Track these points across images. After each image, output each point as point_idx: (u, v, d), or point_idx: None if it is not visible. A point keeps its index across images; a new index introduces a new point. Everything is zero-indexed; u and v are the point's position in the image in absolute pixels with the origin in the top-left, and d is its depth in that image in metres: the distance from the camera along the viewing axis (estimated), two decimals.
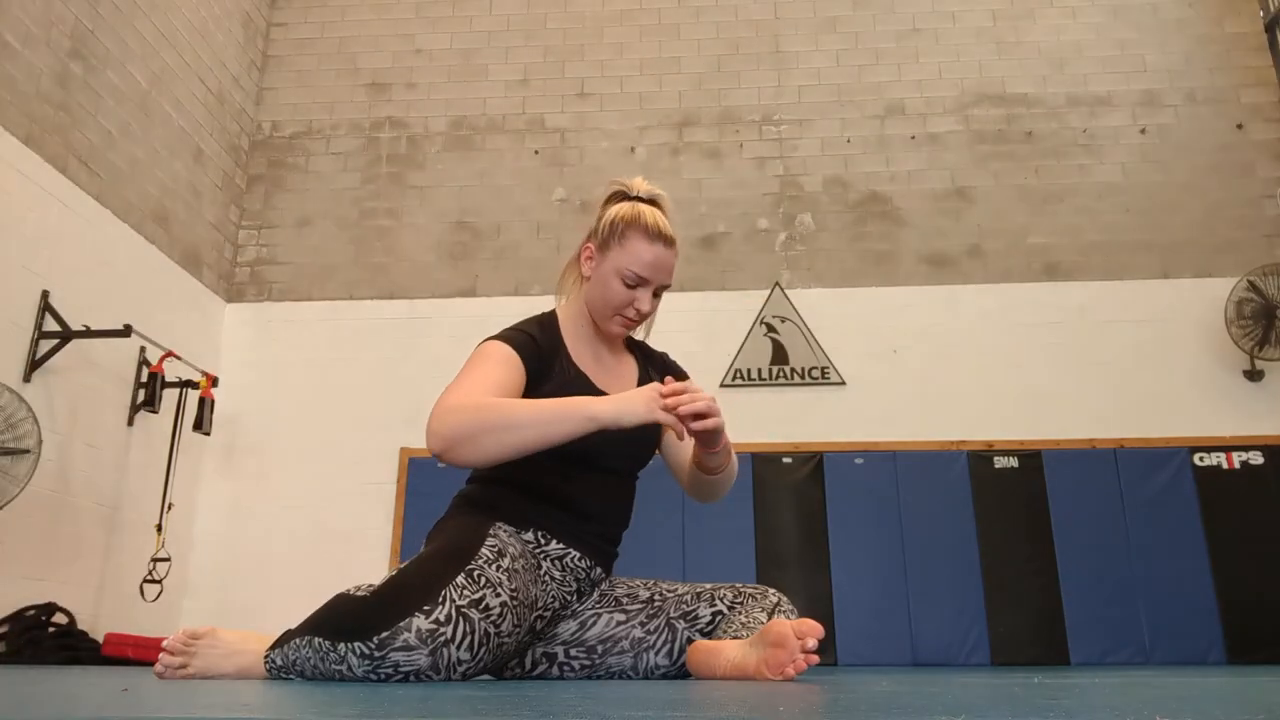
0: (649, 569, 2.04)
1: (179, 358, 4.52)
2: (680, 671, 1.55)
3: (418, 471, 4.98)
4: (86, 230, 4.24)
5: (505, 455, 1.37)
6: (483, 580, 1.33)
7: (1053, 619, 4.47)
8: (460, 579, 1.31)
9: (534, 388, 1.54)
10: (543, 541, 1.57)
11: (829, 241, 5.35)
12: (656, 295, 1.64)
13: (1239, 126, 5.34)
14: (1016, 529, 4.66)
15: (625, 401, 1.38)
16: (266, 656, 1.43)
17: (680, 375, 1.77)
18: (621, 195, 1.63)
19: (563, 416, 1.37)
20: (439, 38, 5.93)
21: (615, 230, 1.58)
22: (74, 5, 4.22)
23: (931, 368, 5.03)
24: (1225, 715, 0.61)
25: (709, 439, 1.48)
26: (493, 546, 1.42)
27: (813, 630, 1.28)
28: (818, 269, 5.29)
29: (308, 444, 5.12)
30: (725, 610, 1.56)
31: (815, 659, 1.31)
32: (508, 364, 1.50)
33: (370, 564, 4.86)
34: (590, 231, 1.62)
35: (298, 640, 1.36)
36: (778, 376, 5.06)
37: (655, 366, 1.81)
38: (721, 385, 5.03)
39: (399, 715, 0.66)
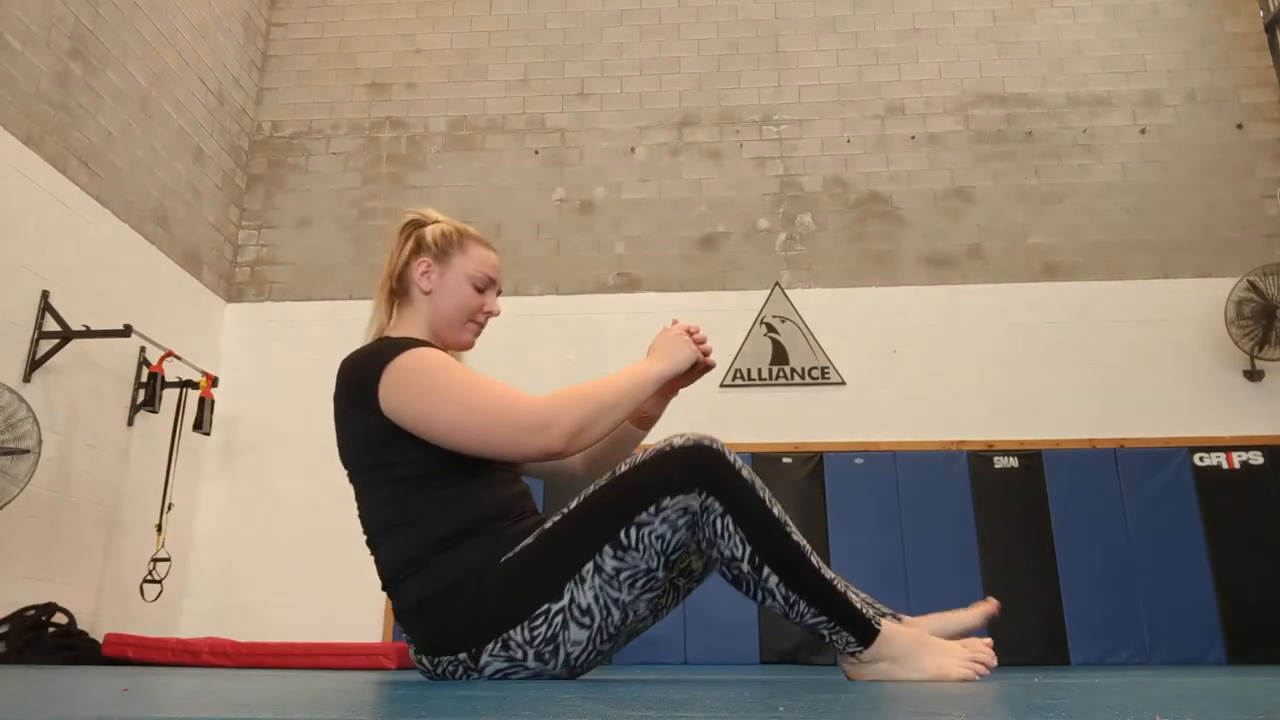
0: None
1: (179, 358, 4.52)
2: None
3: None
4: (86, 230, 4.24)
5: (606, 435, 1.42)
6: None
7: (1053, 619, 4.47)
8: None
9: None
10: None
11: (829, 241, 5.35)
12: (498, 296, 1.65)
13: (1239, 126, 5.34)
14: (1016, 529, 4.66)
15: (671, 351, 1.49)
16: None
17: None
18: (419, 223, 1.63)
19: (640, 384, 1.44)
20: (439, 38, 5.93)
21: (452, 241, 1.60)
22: (74, 5, 4.22)
23: (931, 368, 5.03)
24: (1225, 715, 0.61)
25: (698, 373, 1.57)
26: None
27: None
28: (818, 269, 5.29)
29: (308, 444, 5.11)
30: None
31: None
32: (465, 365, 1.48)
33: (370, 564, 4.85)
34: (412, 251, 1.58)
35: None
36: (778, 376, 5.06)
37: None
38: (721, 385, 5.03)
39: (399, 715, 0.66)
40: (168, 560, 4.34)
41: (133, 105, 4.64)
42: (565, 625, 1.33)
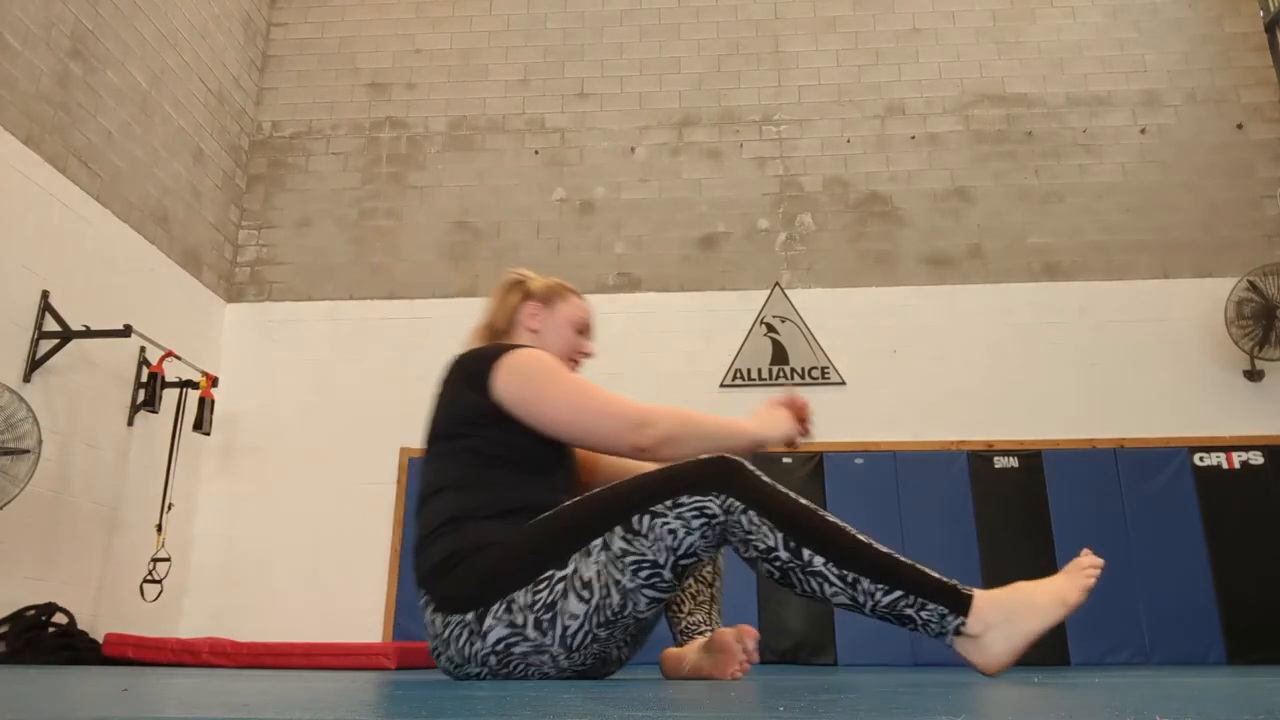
0: None
1: (179, 358, 4.52)
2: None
3: (418, 471, 4.97)
4: (86, 230, 4.24)
5: (690, 456, 1.47)
6: None
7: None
8: None
9: None
10: None
11: (829, 241, 5.35)
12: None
13: (1239, 126, 5.34)
14: (1016, 529, 4.66)
15: (771, 422, 1.58)
16: None
17: None
18: (522, 280, 1.86)
19: (733, 435, 1.53)
20: (439, 38, 5.93)
21: (555, 291, 1.83)
22: (74, 5, 4.22)
23: (931, 368, 5.03)
24: (1225, 715, 0.61)
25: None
26: None
27: (750, 634, 1.49)
28: (818, 269, 5.29)
29: (308, 444, 5.12)
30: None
31: (756, 658, 1.54)
32: None
33: (370, 564, 4.86)
34: (521, 298, 1.81)
35: None
36: (778, 376, 5.06)
37: None
38: (721, 385, 5.03)
39: (399, 715, 0.66)
40: (168, 560, 4.34)
41: (133, 105, 4.64)
42: (565, 594, 1.36)
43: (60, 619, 3.89)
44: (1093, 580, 1.37)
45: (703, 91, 5.70)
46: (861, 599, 1.32)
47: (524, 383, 1.52)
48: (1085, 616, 4.44)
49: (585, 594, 1.36)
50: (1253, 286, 4.77)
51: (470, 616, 1.39)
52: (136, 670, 2.58)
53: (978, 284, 5.18)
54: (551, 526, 1.42)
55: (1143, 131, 5.39)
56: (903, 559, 1.33)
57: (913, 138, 5.50)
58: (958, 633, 1.31)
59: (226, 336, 5.36)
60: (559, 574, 1.37)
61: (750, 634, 1.53)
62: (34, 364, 3.85)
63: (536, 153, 5.64)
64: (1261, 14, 5.54)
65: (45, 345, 3.90)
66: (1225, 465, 4.66)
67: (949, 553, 4.61)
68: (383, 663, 3.49)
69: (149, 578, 4.27)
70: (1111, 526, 4.60)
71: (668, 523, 1.34)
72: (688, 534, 1.34)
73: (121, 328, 4.09)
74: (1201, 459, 4.68)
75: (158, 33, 4.85)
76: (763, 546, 1.33)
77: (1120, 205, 5.26)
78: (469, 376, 1.56)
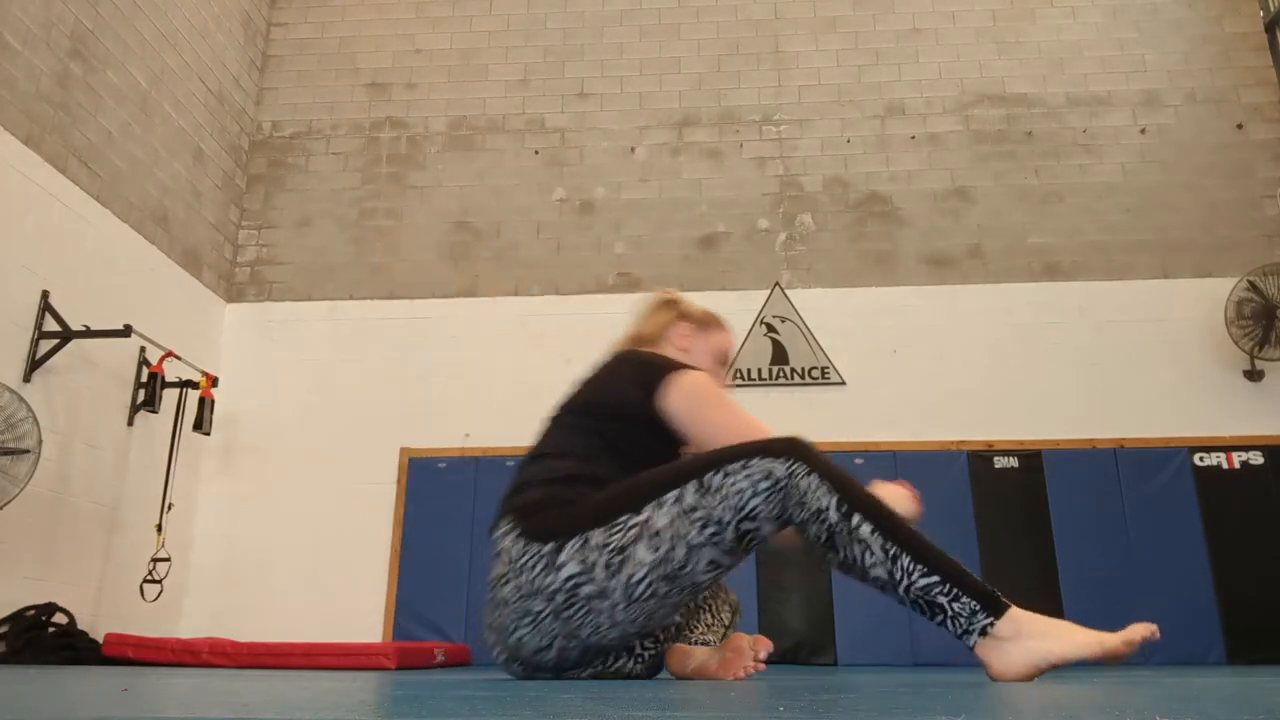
0: None
1: (179, 358, 4.52)
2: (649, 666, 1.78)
3: (418, 471, 4.98)
4: (86, 230, 4.24)
5: None
6: None
7: (1053, 618, 4.46)
8: None
9: None
10: None
11: (829, 241, 5.35)
12: None
13: (1239, 126, 5.34)
14: (1016, 529, 4.66)
15: (898, 501, 1.62)
16: None
17: None
18: (676, 300, 2.03)
19: (860, 500, 1.49)
20: (439, 38, 5.93)
21: (710, 321, 2.01)
22: (74, 5, 4.22)
23: (931, 368, 5.03)
24: (1225, 715, 0.61)
25: None
26: None
27: (764, 644, 1.56)
28: (818, 269, 5.29)
29: (308, 444, 5.12)
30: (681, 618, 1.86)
31: (763, 666, 1.60)
32: None
33: (370, 564, 4.86)
34: (674, 316, 1.98)
35: None
36: (778, 376, 5.06)
37: None
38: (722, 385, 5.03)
39: (399, 715, 0.66)
40: (168, 560, 4.34)
41: (133, 105, 4.64)
42: (636, 541, 1.47)
43: (60, 619, 3.89)
44: (1139, 640, 1.36)
45: (703, 91, 5.70)
46: (899, 575, 1.35)
47: (697, 401, 1.68)
48: (1085, 616, 4.45)
49: (654, 543, 1.46)
50: (1253, 286, 4.77)
51: (549, 548, 1.50)
52: (136, 670, 2.58)
53: (978, 284, 5.18)
54: (634, 482, 1.54)
55: (1143, 131, 5.39)
56: (948, 554, 1.38)
57: (913, 138, 5.50)
58: (984, 633, 1.31)
59: (226, 336, 5.36)
60: (634, 520, 1.48)
61: (765, 644, 1.59)
62: (34, 364, 3.85)
63: (536, 153, 5.64)
64: (1261, 14, 5.54)
65: (45, 345, 3.90)
66: (1225, 465, 4.66)
67: (948, 552, 4.60)
68: (383, 663, 3.49)
69: (149, 578, 4.27)
70: (1111, 526, 4.60)
71: (736, 481, 1.44)
72: (753, 495, 1.43)
73: (121, 328, 4.09)
74: (1201, 459, 4.68)
75: (158, 33, 4.85)
76: (815, 508, 1.39)
77: (1120, 205, 5.26)
78: (641, 378, 1.71)
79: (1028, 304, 5.10)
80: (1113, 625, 1.39)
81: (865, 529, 1.36)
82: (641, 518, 1.48)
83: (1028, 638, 1.30)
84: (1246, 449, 4.68)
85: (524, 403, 5.16)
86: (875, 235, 5.34)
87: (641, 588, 1.47)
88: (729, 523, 1.44)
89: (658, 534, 1.46)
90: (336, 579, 4.85)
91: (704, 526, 1.45)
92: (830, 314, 5.15)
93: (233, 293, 5.47)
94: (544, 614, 1.50)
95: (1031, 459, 4.76)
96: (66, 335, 3.93)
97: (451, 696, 0.91)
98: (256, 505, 5.03)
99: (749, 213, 5.44)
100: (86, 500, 4.16)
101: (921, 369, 5.03)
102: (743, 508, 1.43)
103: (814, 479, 1.41)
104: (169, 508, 4.46)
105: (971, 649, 1.34)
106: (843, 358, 5.07)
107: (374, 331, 5.31)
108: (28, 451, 3.40)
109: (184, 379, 4.63)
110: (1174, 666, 3.87)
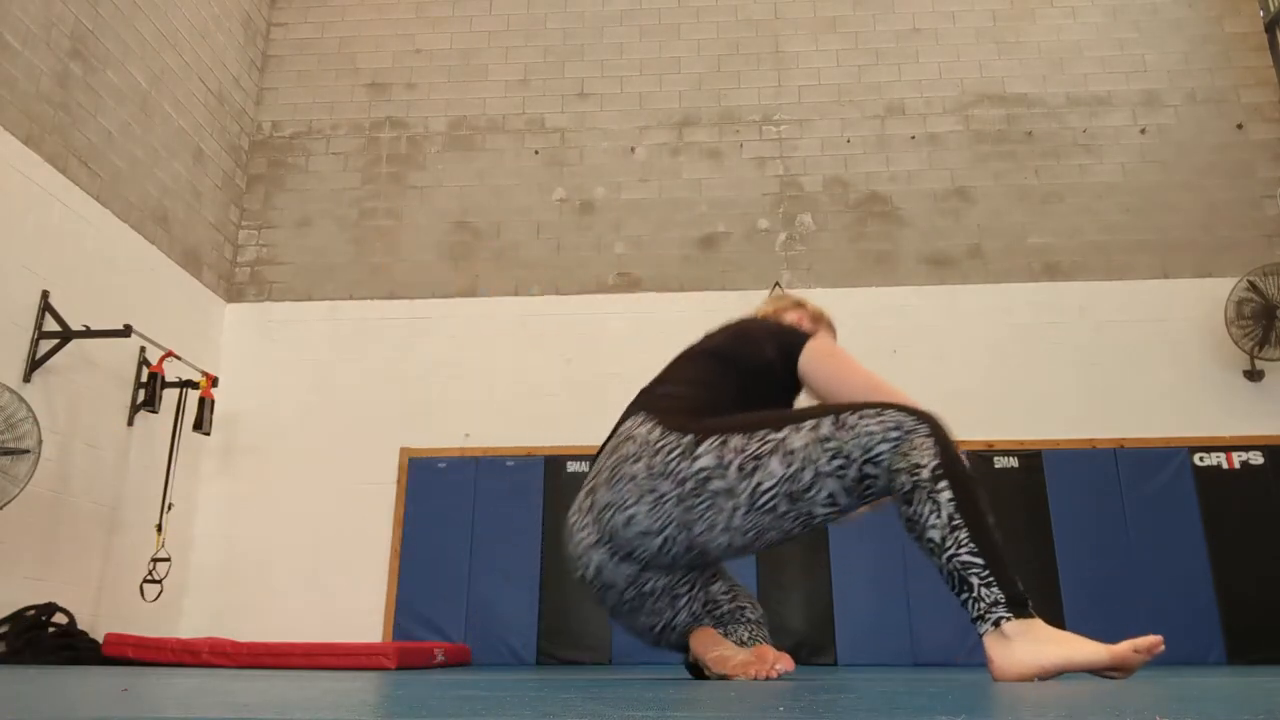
0: None
1: (179, 358, 4.52)
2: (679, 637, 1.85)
3: (418, 471, 4.98)
4: (86, 230, 4.24)
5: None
6: None
7: (1053, 618, 4.40)
8: None
9: None
10: None
11: (829, 241, 5.35)
12: None
13: (1239, 126, 5.34)
14: (1016, 529, 4.66)
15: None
16: None
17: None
18: (802, 302, 2.18)
19: (967, 489, 1.59)
20: (439, 38, 5.93)
21: (821, 317, 2.16)
22: (74, 5, 4.22)
23: (931, 368, 5.02)
24: (1225, 715, 0.61)
25: None
26: None
27: (787, 663, 1.59)
28: (818, 269, 5.29)
29: (308, 444, 5.12)
30: (729, 609, 1.87)
31: (775, 676, 1.63)
32: None
33: (370, 563, 4.86)
34: (793, 303, 2.16)
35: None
36: None
37: None
38: None
39: (399, 715, 0.66)
40: (168, 560, 4.34)
41: (133, 105, 4.64)
42: (772, 453, 1.57)
43: (60, 619, 3.89)
44: (1145, 649, 1.41)
45: (703, 91, 5.70)
46: (949, 544, 1.43)
47: (833, 362, 1.84)
48: (1085, 616, 4.45)
49: (788, 460, 1.56)
50: (1253, 286, 4.77)
51: (688, 439, 1.62)
52: (136, 670, 2.58)
53: (978, 284, 5.18)
54: (777, 410, 1.69)
55: (1143, 131, 5.39)
56: (1003, 551, 1.45)
57: (913, 138, 5.50)
58: (997, 624, 1.38)
59: (226, 336, 5.36)
60: (773, 435, 1.59)
61: (788, 664, 1.63)
62: (34, 364, 3.85)
63: (536, 153, 5.64)
64: (1261, 14, 5.54)
65: (45, 345, 3.90)
66: (1225, 465, 4.66)
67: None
68: (383, 663, 3.49)
69: (149, 578, 4.27)
70: (1111, 526, 4.60)
71: (869, 424, 1.53)
72: (882, 440, 1.51)
73: (121, 328, 4.09)
74: (1201, 459, 4.68)
75: (158, 33, 4.85)
76: (915, 462, 1.48)
77: (1120, 205, 5.26)
78: (780, 341, 1.86)
79: (1028, 304, 5.10)
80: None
81: (945, 495, 1.45)
82: (780, 435, 1.59)
83: (1035, 640, 1.36)
84: (1246, 449, 4.68)
85: (524, 403, 5.19)
86: (875, 235, 5.34)
87: (766, 498, 1.57)
88: (855, 460, 1.53)
89: (792, 452, 1.56)
90: (336, 579, 4.85)
91: (833, 458, 1.54)
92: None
93: (233, 293, 5.47)
94: (668, 497, 1.60)
95: (1031, 459, 4.76)
96: (66, 335, 3.93)
97: (451, 696, 0.91)
98: (256, 505, 5.03)
99: (749, 213, 5.44)
100: (86, 500, 4.16)
101: (921, 369, 5.03)
102: (870, 449, 1.52)
103: (930, 442, 1.49)
104: (169, 508, 4.46)
105: (981, 637, 1.40)
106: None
107: (374, 331, 5.31)
108: (28, 451, 3.40)
109: (184, 379, 4.63)
110: (1174, 666, 3.87)
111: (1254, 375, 4.85)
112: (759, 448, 1.58)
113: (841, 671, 3.15)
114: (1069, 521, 4.63)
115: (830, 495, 1.57)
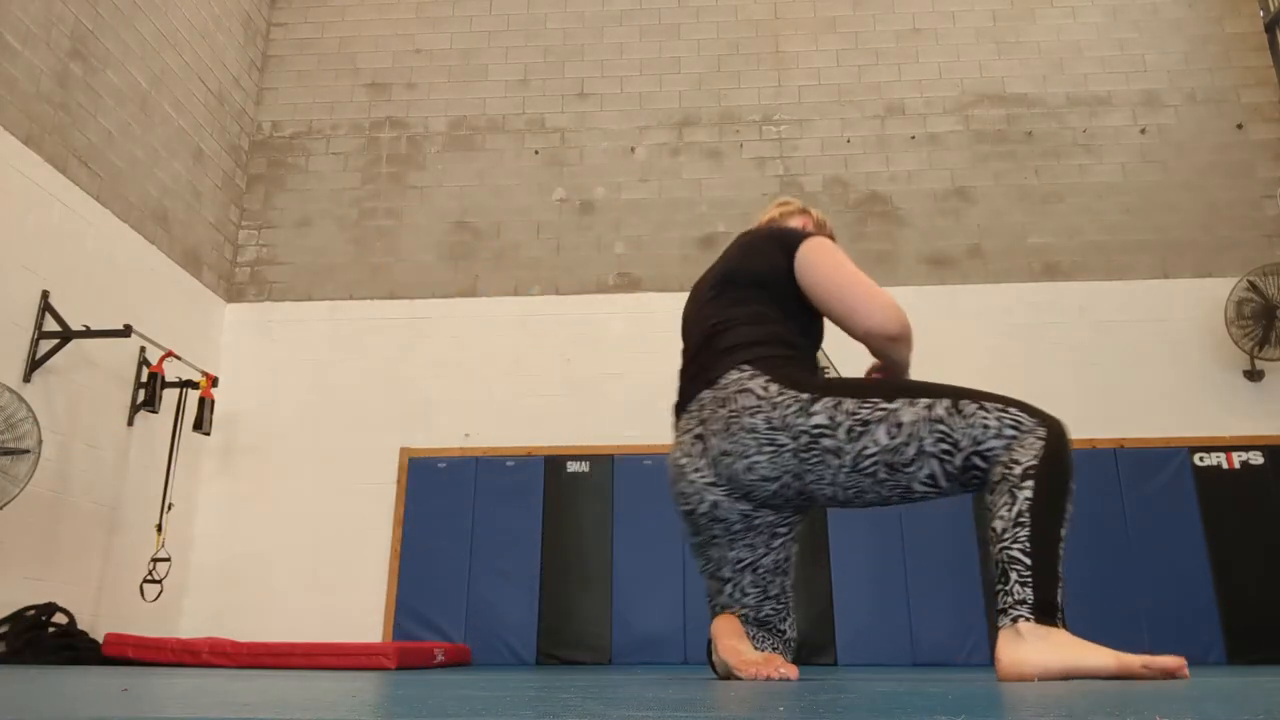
0: (648, 562, 2.06)
1: (179, 358, 4.52)
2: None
3: (418, 471, 4.98)
4: (86, 230, 4.24)
5: (895, 361, 1.92)
6: None
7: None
8: None
9: None
10: None
11: None
12: None
13: (1239, 126, 5.34)
14: None
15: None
16: None
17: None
18: (806, 208, 2.27)
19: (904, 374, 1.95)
20: (439, 38, 5.93)
21: (824, 225, 2.26)
22: (74, 5, 4.22)
23: (931, 368, 4.99)
24: (1225, 715, 0.61)
25: None
26: None
27: (793, 673, 1.61)
28: None
29: (308, 444, 5.12)
30: (769, 614, 1.99)
31: (775, 677, 1.65)
32: None
33: (370, 563, 4.86)
34: (799, 212, 2.27)
35: None
36: None
37: None
38: None
39: (399, 715, 0.66)
40: (168, 560, 4.34)
41: (133, 105, 4.64)
42: (880, 422, 1.61)
43: (60, 619, 3.89)
44: (1159, 667, 1.39)
45: (703, 91, 5.70)
46: (1008, 535, 1.49)
47: (819, 261, 1.89)
48: (1085, 617, 4.45)
49: (893, 432, 1.60)
50: (1253, 286, 4.77)
51: (805, 396, 1.69)
52: (136, 670, 2.58)
53: (978, 284, 5.18)
54: (893, 381, 1.74)
55: (1143, 131, 5.39)
56: (1060, 562, 1.50)
57: (913, 138, 5.50)
58: (1015, 620, 1.43)
59: (226, 336, 5.36)
60: (885, 405, 1.63)
61: (793, 674, 1.66)
62: (34, 364, 3.85)
63: (536, 153, 5.64)
64: (1261, 14, 5.54)
65: (45, 345, 3.90)
66: (1225, 465, 4.66)
67: (949, 553, 4.60)
68: (383, 663, 3.49)
69: (149, 578, 4.27)
70: (1111, 526, 4.60)
71: (987, 418, 1.57)
72: (996, 436, 1.54)
73: (121, 328, 4.09)
74: (1201, 459, 4.68)
75: (158, 33, 4.85)
76: (1014, 458, 1.51)
77: (1120, 205, 5.26)
78: (782, 244, 1.93)
79: (1027, 304, 5.10)
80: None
81: (1025, 493, 1.48)
82: (892, 406, 1.62)
83: (1045, 642, 1.39)
84: (1246, 449, 4.68)
85: (524, 402, 5.19)
86: (875, 235, 5.34)
87: (868, 463, 1.62)
88: (963, 449, 1.56)
89: (899, 425, 1.60)
90: (336, 579, 4.85)
91: (940, 440, 1.58)
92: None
93: (233, 293, 5.47)
94: (786, 448, 1.67)
95: None
96: (66, 335, 3.93)
97: (451, 696, 0.91)
98: (256, 505, 5.03)
99: (749, 213, 5.44)
100: (86, 500, 4.16)
101: (921, 369, 5.01)
102: (981, 442, 1.55)
103: (1040, 445, 1.51)
104: (169, 508, 4.46)
105: (998, 628, 1.46)
106: (843, 358, 5.06)
107: (374, 331, 5.31)
108: (28, 451, 3.40)
109: (184, 379, 4.63)
110: None
111: (1254, 375, 4.85)
112: (869, 414, 1.63)
113: (841, 671, 3.15)
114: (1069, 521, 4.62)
115: (931, 475, 1.61)
